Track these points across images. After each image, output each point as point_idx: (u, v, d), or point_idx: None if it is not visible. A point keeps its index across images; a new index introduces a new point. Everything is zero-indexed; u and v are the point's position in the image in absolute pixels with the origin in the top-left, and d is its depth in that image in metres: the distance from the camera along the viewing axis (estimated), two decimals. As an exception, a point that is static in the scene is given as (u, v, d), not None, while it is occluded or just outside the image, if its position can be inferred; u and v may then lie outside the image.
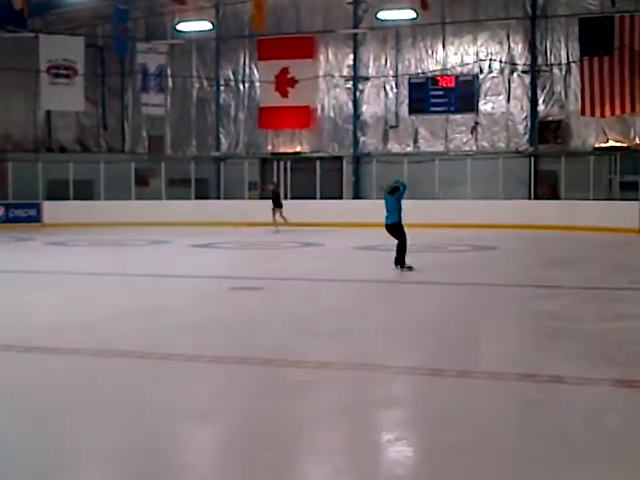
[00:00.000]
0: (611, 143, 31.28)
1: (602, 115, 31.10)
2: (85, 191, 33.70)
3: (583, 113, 31.45)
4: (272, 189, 30.34)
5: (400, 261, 16.11)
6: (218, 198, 35.89)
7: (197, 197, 34.59)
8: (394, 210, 16.39)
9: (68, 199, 33.11)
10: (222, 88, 37.24)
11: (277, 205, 29.21)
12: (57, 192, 33.26)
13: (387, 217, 16.54)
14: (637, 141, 30.95)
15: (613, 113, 30.97)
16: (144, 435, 5.94)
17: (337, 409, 6.61)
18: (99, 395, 7.03)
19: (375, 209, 30.73)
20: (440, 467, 5.30)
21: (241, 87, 36.97)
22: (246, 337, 9.58)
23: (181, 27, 36.06)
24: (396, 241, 16.34)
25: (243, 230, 29.17)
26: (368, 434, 6.06)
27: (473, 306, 12.27)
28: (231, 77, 37.09)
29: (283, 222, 28.65)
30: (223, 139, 37.25)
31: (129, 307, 12.01)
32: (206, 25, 35.86)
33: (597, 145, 31.52)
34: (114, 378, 7.67)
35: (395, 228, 16.35)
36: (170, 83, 37.75)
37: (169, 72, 37.57)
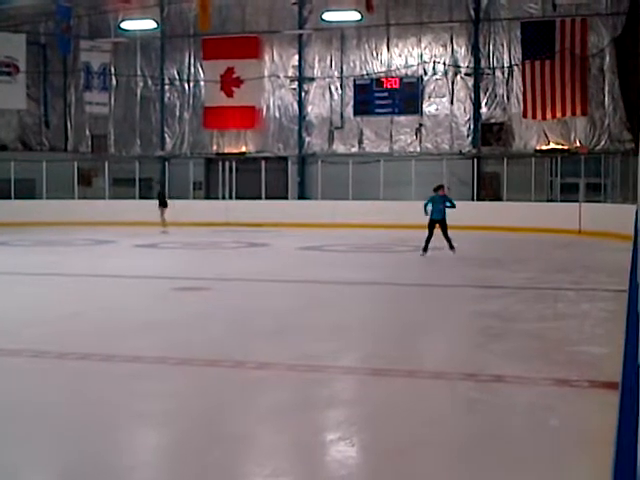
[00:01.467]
0: (552, 145, 31.79)
1: (543, 118, 31.58)
2: (27, 190, 33.25)
3: (525, 116, 31.91)
4: (160, 190, 30.10)
5: (452, 247, 19.50)
6: (163, 198, 35.66)
7: (141, 197, 34.34)
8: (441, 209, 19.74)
9: (10, 198, 32.64)
10: (167, 87, 37.04)
11: (163, 204, 29.06)
12: (-2, 191, 32.83)
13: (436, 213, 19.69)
14: (577, 144, 31.47)
15: (554, 116, 31.47)
16: (86, 437, 5.90)
17: (279, 410, 6.63)
18: (39, 398, 6.96)
19: (320, 209, 31.09)
20: (383, 467, 5.36)
21: (186, 86, 36.81)
22: (189, 338, 9.56)
23: (125, 25, 35.75)
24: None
25: (188, 230, 29.01)
26: (310, 434, 6.09)
27: (415, 306, 12.39)
28: (176, 76, 36.91)
29: (162, 221, 28.57)
30: (168, 138, 37.04)
31: (71, 308, 11.89)
32: (151, 24, 35.61)
33: (538, 147, 31.99)
34: (54, 380, 7.60)
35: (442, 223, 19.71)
36: (114, 82, 37.45)
37: (113, 71, 37.28)
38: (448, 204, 19.94)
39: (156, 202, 29.36)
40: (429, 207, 19.78)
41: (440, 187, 20.50)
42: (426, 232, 19.62)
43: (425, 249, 19.54)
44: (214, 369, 7.96)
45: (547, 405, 6.73)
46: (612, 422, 4.40)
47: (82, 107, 37.50)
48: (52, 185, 32.75)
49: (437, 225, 19.67)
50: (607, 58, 31.07)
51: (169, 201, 29.38)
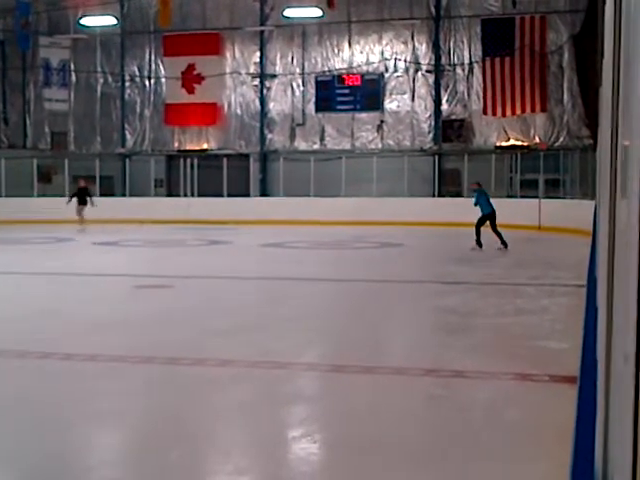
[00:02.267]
0: (512, 142, 32.02)
1: (503, 115, 31.81)
2: (-15, 187, 32.87)
3: (485, 112, 32.12)
4: (81, 186, 29.51)
5: (504, 242, 20.24)
6: (124, 195, 35.43)
7: (102, 194, 34.07)
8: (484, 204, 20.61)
9: (-32, 196, 32.26)
10: (127, 84, 36.77)
11: (83, 202, 28.63)
12: (-44, 189, 32.40)
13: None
14: (537, 140, 31.74)
15: (514, 113, 31.71)
16: (45, 437, 5.85)
17: (241, 407, 6.62)
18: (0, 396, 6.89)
19: (282, 206, 31.07)
20: (345, 463, 5.37)
21: (147, 83, 36.57)
22: (149, 336, 9.50)
23: (85, 22, 35.44)
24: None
25: (149, 228, 28.85)
26: (273, 431, 6.09)
27: (377, 302, 12.43)
28: (136, 73, 36.66)
29: (80, 219, 28.22)
30: (128, 135, 36.78)
31: (30, 307, 11.77)
32: (110, 20, 35.33)
33: (498, 144, 32.22)
34: (13, 379, 7.52)
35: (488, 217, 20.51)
36: (74, 78, 37.11)
37: (72, 67, 36.93)
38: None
39: (67, 198, 28.85)
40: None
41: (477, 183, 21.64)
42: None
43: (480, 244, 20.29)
44: (175, 367, 7.92)
45: (507, 400, 6.79)
46: (571, 416, 4.45)
47: (41, 104, 37.12)
48: (11, 182, 32.39)
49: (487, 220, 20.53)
50: (566, 55, 31.35)
51: (99, 199, 29.02)
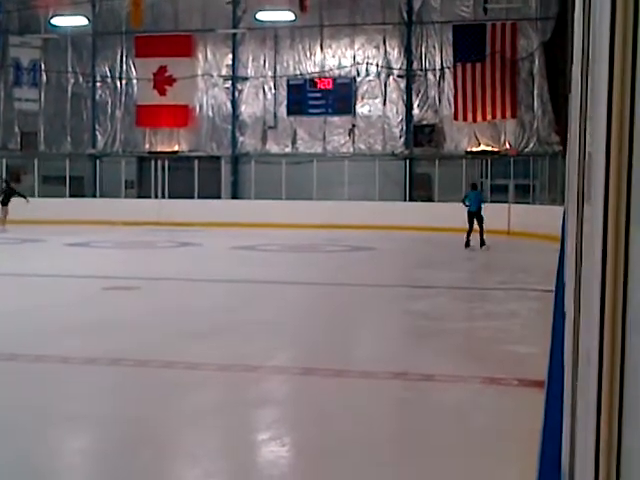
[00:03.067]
0: (482, 147, 32.19)
1: (474, 120, 31.98)
2: (-47, 188, 32.52)
3: (456, 118, 32.27)
4: (5, 187, 29.37)
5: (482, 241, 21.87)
6: (94, 196, 35.22)
7: (72, 195, 33.87)
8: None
9: None
10: (98, 84, 36.54)
11: (5, 204, 28.44)
12: None
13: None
14: (507, 146, 31.93)
15: (484, 118, 31.89)
16: (12, 440, 5.81)
17: (210, 410, 6.61)
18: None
19: (254, 209, 31.04)
20: (313, 466, 5.38)
21: (118, 84, 36.37)
22: (118, 338, 9.46)
23: (56, 21, 35.16)
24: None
25: (119, 229, 28.71)
26: (241, 435, 6.08)
27: (346, 306, 12.44)
28: (108, 74, 36.45)
29: (2, 219, 28.12)
30: (99, 136, 36.56)
31: (-2, 308, 11.68)
32: (82, 20, 35.08)
33: (469, 149, 32.38)
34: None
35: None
36: (44, 78, 36.83)
37: (43, 67, 36.66)
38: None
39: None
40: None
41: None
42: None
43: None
44: (144, 369, 7.89)
45: (475, 403, 6.83)
46: (539, 419, 4.49)
47: (11, 103, 36.81)
48: (-21, 183, 32.10)
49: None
50: (536, 62, 31.58)
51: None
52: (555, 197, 27.83)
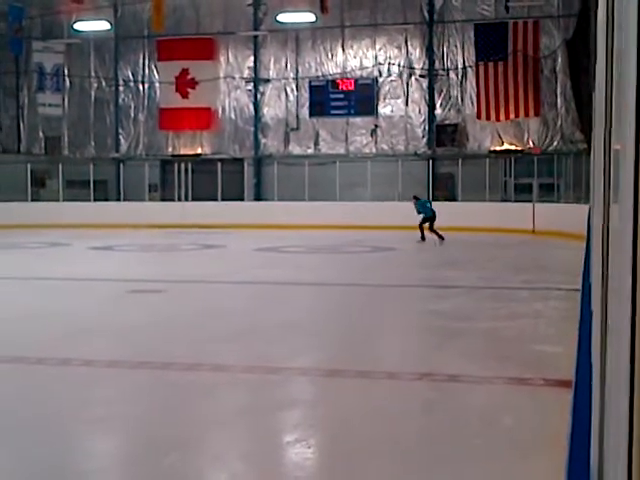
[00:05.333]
0: (506, 146, 32.07)
1: (497, 119, 31.86)
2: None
3: (479, 117, 32.17)
4: None
5: (440, 237, 23.52)
6: (118, 200, 35.39)
7: (96, 199, 34.05)
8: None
9: (-38, 200, 32.15)
10: (121, 88, 36.76)
11: None
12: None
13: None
14: (530, 144, 31.79)
15: (507, 117, 31.77)
16: (40, 443, 5.83)
17: (236, 412, 6.61)
18: (-8, 403, 6.87)
19: (277, 210, 31.06)
20: (339, 468, 5.36)
21: (141, 88, 36.57)
22: (143, 341, 9.49)
23: (78, 26, 35.40)
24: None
25: (144, 232, 28.82)
26: (267, 436, 6.08)
27: (371, 306, 12.42)
28: (130, 77, 36.65)
29: None
30: (122, 140, 36.77)
31: (24, 311, 11.74)
32: (104, 25, 35.31)
33: (492, 148, 32.27)
34: (7, 385, 7.50)
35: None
36: (67, 83, 37.08)
37: (66, 72, 36.90)
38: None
39: None
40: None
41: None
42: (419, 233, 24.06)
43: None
44: (169, 372, 7.91)
45: (502, 404, 6.79)
46: (566, 420, 4.45)
47: (35, 108, 37.10)
48: (5, 187, 32.31)
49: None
50: (559, 60, 31.43)
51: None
52: (580, 195, 27.66)
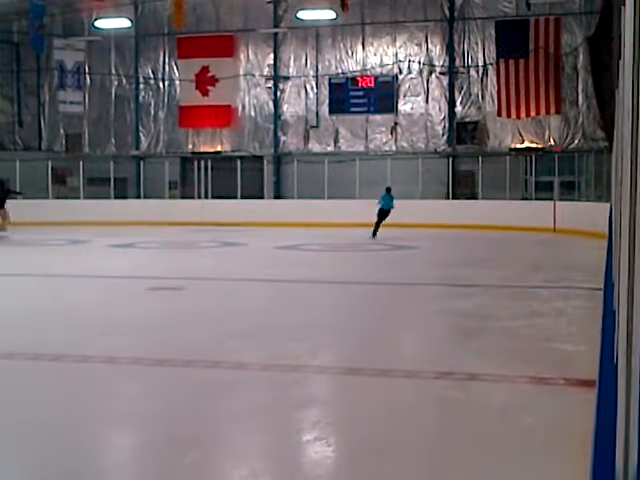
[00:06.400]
0: (526, 144, 31.95)
1: (518, 117, 31.73)
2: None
3: (499, 114, 32.05)
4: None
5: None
6: (138, 197, 35.52)
7: (116, 196, 34.19)
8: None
9: (-18, 198, 32.30)
10: (141, 86, 36.89)
11: (1, 206, 27.53)
12: (-29, 190, 32.44)
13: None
14: (551, 142, 31.65)
15: (528, 115, 31.63)
16: (62, 439, 5.85)
17: (256, 410, 6.61)
18: (9, 399, 6.89)
19: (296, 208, 31.08)
20: (359, 467, 5.34)
21: (161, 85, 36.69)
22: (163, 338, 9.50)
23: (99, 24, 35.57)
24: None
25: (164, 230, 28.90)
26: (287, 435, 6.07)
27: (390, 305, 12.39)
28: (151, 75, 36.77)
29: (2, 223, 27.33)
30: (143, 138, 36.90)
31: (45, 308, 11.80)
32: (125, 22, 35.46)
33: (513, 146, 32.16)
34: (29, 380, 7.52)
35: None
36: (88, 80, 37.26)
37: (87, 69, 37.08)
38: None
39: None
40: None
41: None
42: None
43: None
44: (189, 370, 7.91)
45: (522, 403, 6.75)
46: (588, 420, 4.41)
47: (56, 106, 37.28)
48: (26, 184, 32.48)
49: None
50: (580, 57, 31.28)
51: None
52: (601, 194, 27.52)
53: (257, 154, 35.50)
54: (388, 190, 26.06)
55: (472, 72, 32.83)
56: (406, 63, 33.51)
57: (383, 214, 25.36)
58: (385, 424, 6.20)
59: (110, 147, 37.30)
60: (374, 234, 25.01)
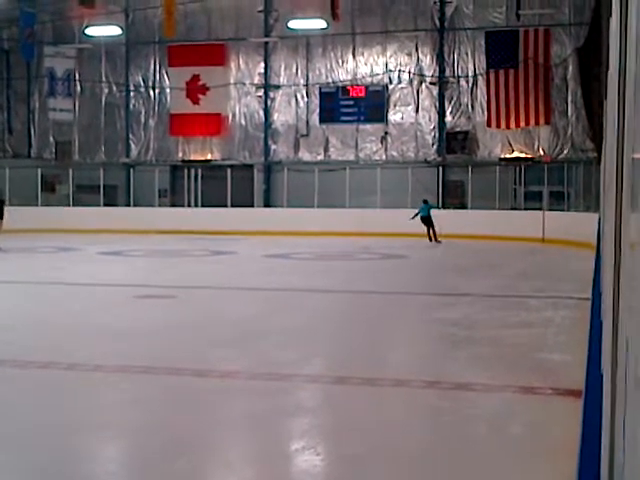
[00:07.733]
0: (516, 154, 32.01)
1: (507, 127, 31.82)
2: (-11, 197, 32.83)
3: (489, 125, 32.13)
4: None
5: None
6: (128, 205, 35.43)
7: (106, 204, 34.10)
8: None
9: (-29, 205, 32.19)
10: (132, 94, 36.83)
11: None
12: (-41, 197, 32.34)
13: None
14: (541, 152, 31.74)
15: (518, 125, 31.72)
16: (47, 447, 5.82)
17: (243, 419, 6.60)
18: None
19: (286, 217, 31.06)
20: (347, 475, 5.35)
21: (151, 93, 36.64)
22: (152, 346, 9.48)
23: (90, 31, 35.49)
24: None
25: (153, 238, 28.84)
26: (275, 443, 6.06)
27: (379, 314, 12.40)
28: (141, 83, 36.73)
29: None
30: (133, 145, 36.83)
31: (32, 315, 11.76)
32: (115, 30, 35.39)
33: (502, 156, 32.21)
34: (13, 389, 7.50)
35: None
36: (78, 88, 37.18)
37: (77, 77, 37.01)
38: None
39: None
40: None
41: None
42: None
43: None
44: (177, 378, 7.90)
45: (510, 412, 6.76)
46: (575, 430, 4.43)
47: (46, 113, 37.19)
48: (15, 192, 32.38)
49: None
50: (570, 68, 31.38)
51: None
52: (590, 204, 27.59)
53: (247, 162, 35.48)
54: (425, 201, 27.31)
55: (462, 82, 32.90)
56: (396, 73, 33.56)
57: (426, 220, 26.74)
58: (373, 433, 6.20)
59: (100, 155, 37.22)
60: (436, 240, 26.51)
